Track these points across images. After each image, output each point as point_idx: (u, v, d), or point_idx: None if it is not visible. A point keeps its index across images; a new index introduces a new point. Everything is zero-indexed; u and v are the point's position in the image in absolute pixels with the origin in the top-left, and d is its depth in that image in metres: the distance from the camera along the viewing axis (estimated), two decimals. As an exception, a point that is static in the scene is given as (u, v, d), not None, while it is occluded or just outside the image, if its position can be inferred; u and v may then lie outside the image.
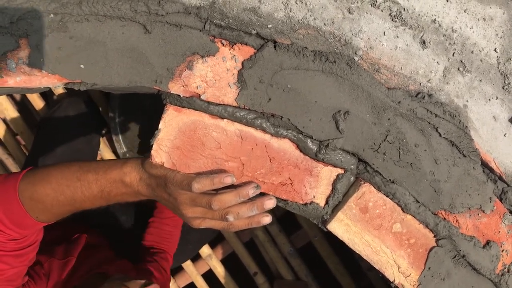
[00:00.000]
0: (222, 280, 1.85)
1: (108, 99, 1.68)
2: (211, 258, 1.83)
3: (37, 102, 1.75)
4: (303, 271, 1.86)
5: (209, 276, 1.85)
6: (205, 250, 1.81)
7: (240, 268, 1.88)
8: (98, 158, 1.78)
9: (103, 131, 1.76)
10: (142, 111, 1.64)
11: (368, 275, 1.86)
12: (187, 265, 1.82)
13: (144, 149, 1.67)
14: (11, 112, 1.74)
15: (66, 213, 0.80)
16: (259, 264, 1.87)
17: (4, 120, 1.78)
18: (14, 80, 0.68)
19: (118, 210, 1.51)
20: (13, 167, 1.86)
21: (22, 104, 1.88)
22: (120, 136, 1.64)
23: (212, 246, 1.85)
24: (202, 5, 0.68)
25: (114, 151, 1.74)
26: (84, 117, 1.52)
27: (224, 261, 1.87)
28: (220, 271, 1.84)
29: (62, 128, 1.48)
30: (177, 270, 1.87)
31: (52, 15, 0.66)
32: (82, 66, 0.68)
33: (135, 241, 1.50)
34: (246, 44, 0.70)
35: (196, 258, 1.84)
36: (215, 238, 1.76)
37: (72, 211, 0.80)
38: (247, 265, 1.87)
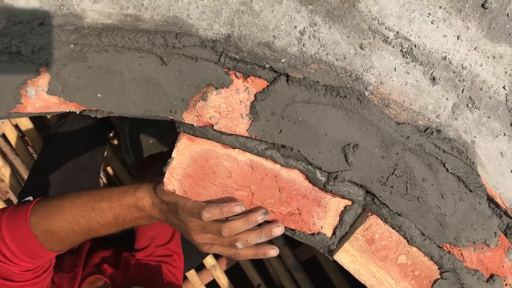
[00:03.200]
0: (226, 291, 1.87)
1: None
2: (215, 269, 1.84)
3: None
4: (307, 284, 1.87)
5: (212, 286, 1.87)
6: (210, 260, 1.83)
7: (244, 280, 1.89)
8: (107, 167, 1.80)
9: (111, 134, 1.77)
10: (151, 123, 1.66)
11: (371, 291, 1.86)
12: (191, 275, 1.84)
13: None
14: (23, 119, 1.76)
15: (81, 241, 0.82)
16: (262, 276, 1.88)
17: (16, 127, 1.80)
18: (33, 107, 0.70)
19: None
20: (21, 167, 1.89)
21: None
22: (129, 147, 1.66)
23: (217, 257, 1.87)
24: (218, 38, 0.69)
25: (123, 161, 1.76)
26: (88, 132, 1.53)
27: (228, 272, 1.88)
28: (223, 282, 1.86)
29: (67, 143, 1.50)
30: (181, 279, 1.88)
31: (72, 45, 0.68)
32: (99, 95, 0.70)
33: None
34: (259, 77, 0.71)
35: (200, 268, 1.85)
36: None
37: (87, 239, 0.82)
38: (251, 276, 1.88)
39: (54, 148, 1.50)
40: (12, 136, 1.76)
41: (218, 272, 1.84)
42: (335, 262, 1.87)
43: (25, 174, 1.93)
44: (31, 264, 0.81)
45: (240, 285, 1.89)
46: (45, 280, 0.88)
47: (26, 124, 1.76)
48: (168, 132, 1.68)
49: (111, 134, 1.78)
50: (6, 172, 1.77)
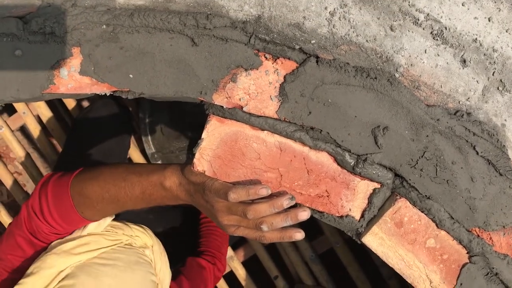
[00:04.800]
0: (243, 282, 1.87)
1: (138, 100, 1.71)
2: (233, 260, 1.85)
3: (69, 101, 1.79)
4: (324, 276, 1.87)
5: (230, 277, 1.87)
6: (227, 251, 1.83)
7: (261, 271, 1.90)
8: (127, 158, 1.82)
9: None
10: (171, 113, 1.67)
11: (388, 284, 1.86)
12: (209, 266, 1.85)
13: (172, 150, 1.70)
14: (44, 110, 1.78)
15: (109, 211, 0.84)
16: (280, 268, 1.88)
17: (36, 118, 1.82)
18: (66, 87, 0.71)
19: (154, 223, 1.54)
20: (38, 160, 1.91)
21: (54, 103, 1.92)
22: (149, 137, 1.67)
23: (234, 248, 1.87)
24: (248, 19, 0.70)
25: (143, 151, 1.78)
26: (116, 118, 1.56)
27: (245, 263, 1.88)
28: (241, 273, 1.86)
29: (95, 129, 1.52)
30: (198, 270, 1.89)
31: (104, 26, 0.69)
32: (131, 75, 0.70)
33: (169, 253, 1.53)
34: (289, 59, 0.71)
35: (216, 259, 1.86)
36: (238, 241, 1.78)
37: (116, 211, 0.84)
38: (268, 268, 1.88)
39: (82, 133, 1.52)
40: (33, 126, 1.78)
41: (235, 263, 1.85)
42: (352, 254, 1.86)
43: (42, 168, 1.96)
44: (61, 227, 0.84)
45: (257, 277, 1.89)
46: None
47: (47, 114, 1.78)
48: (187, 123, 1.69)
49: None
50: (25, 165, 1.79)
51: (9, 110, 1.84)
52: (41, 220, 0.85)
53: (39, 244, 0.88)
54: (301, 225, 0.73)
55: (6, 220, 1.70)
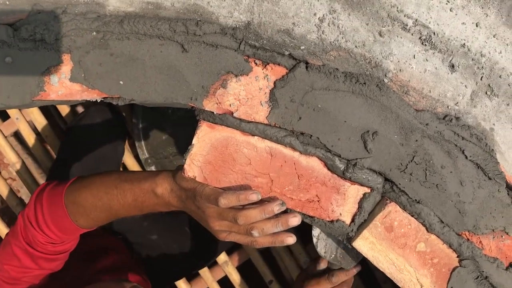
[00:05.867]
0: (237, 287, 1.87)
1: (132, 106, 1.71)
2: (227, 265, 1.84)
3: (63, 107, 1.79)
4: (318, 281, 1.87)
5: (224, 282, 1.87)
6: (222, 257, 1.83)
7: (256, 276, 1.89)
8: (121, 165, 1.81)
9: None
10: (164, 119, 1.67)
11: (382, 287, 1.86)
12: (203, 271, 1.84)
13: (165, 155, 1.70)
14: (37, 116, 1.78)
15: (103, 219, 0.84)
16: (274, 273, 1.88)
17: (30, 123, 1.82)
18: (56, 94, 0.71)
19: (148, 230, 1.54)
20: (32, 166, 1.90)
21: (48, 109, 1.92)
22: (142, 142, 1.67)
23: (229, 253, 1.87)
24: (238, 26, 0.70)
25: (136, 157, 1.77)
26: (109, 125, 1.56)
27: (240, 268, 1.88)
28: (235, 278, 1.86)
29: (88, 135, 1.52)
30: (193, 276, 1.89)
31: (94, 33, 0.69)
32: (121, 82, 0.71)
33: (165, 259, 1.53)
34: (278, 64, 0.72)
35: (212, 264, 1.86)
36: (232, 246, 1.78)
37: (109, 218, 0.84)
38: (263, 273, 1.88)
39: (75, 140, 1.52)
40: (27, 132, 1.78)
41: (230, 268, 1.85)
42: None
43: (36, 173, 1.95)
44: (56, 237, 0.84)
45: (252, 281, 1.89)
46: (58, 261, 0.92)
47: (40, 120, 1.77)
48: (181, 128, 1.69)
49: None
50: (18, 171, 1.78)
51: (2, 115, 1.83)
52: (36, 230, 0.85)
53: (35, 254, 0.88)
54: (296, 229, 0.74)
55: (0, 226, 1.70)
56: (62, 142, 1.57)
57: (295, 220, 0.73)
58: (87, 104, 1.69)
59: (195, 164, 0.73)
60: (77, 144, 1.50)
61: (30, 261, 0.89)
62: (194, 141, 0.73)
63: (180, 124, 1.68)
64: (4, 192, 1.74)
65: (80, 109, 1.84)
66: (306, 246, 1.87)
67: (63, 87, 0.70)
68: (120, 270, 1.30)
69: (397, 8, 0.71)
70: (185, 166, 0.73)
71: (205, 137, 0.73)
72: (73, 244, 0.92)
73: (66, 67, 0.70)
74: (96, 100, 0.73)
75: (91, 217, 0.83)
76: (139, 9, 0.69)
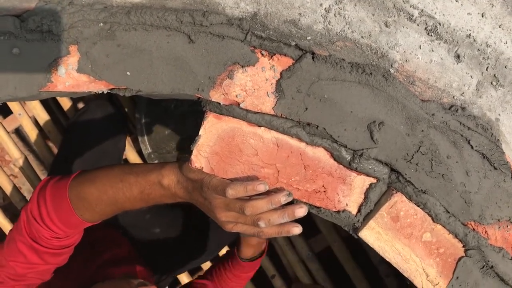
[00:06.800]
0: (240, 282, 1.87)
1: (135, 100, 1.71)
2: (230, 260, 1.85)
3: (65, 102, 1.79)
4: (321, 275, 1.87)
5: (227, 277, 1.87)
6: (224, 251, 1.83)
7: (258, 270, 1.90)
8: (123, 159, 1.82)
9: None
10: (167, 114, 1.68)
11: (385, 281, 1.86)
12: (206, 265, 1.85)
13: (168, 150, 1.70)
14: (40, 111, 1.78)
15: (108, 212, 0.84)
16: (277, 267, 1.89)
17: (32, 119, 1.82)
18: (63, 85, 0.71)
19: (151, 223, 1.54)
20: (34, 162, 1.90)
21: (50, 105, 1.92)
22: (145, 137, 1.67)
23: (231, 247, 1.87)
24: (244, 16, 0.70)
25: (139, 152, 1.78)
26: (111, 119, 1.56)
27: (242, 263, 1.88)
28: (238, 272, 1.86)
29: (89, 130, 1.52)
30: (196, 270, 1.89)
31: (101, 24, 0.69)
32: (128, 73, 0.71)
33: (168, 253, 1.53)
34: (285, 55, 0.72)
35: (215, 258, 1.86)
36: (235, 240, 1.78)
37: (115, 212, 0.84)
38: (265, 267, 1.89)
39: (76, 135, 1.52)
40: (29, 128, 1.78)
41: (232, 263, 1.85)
42: (349, 252, 1.87)
43: (38, 170, 1.95)
44: (61, 231, 0.84)
45: (255, 276, 1.89)
46: (64, 255, 0.91)
47: (43, 116, 1.78)
48: (184, 122, 1.69)
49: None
50: (20, 167, 1.79)
51: (5, 111, 1.84)
52: (40, 225, 0.85)
53: (40, 250, 0.87)
54: (298, 223, 0.74)
55: (3, 222, 1.70)
56: (63, 138, 1.57)
57: (301, 211, 0.73)
58: (88, 99, 1.70)
59: (202, 155, 0.74)
60: (78, 139, 1.51)
61: (36, 257, 0.88)
62: (201, 132, 0.73)
63: (183, 119, 1.68)
64: (7, 188, 1.74)
65: (81, 105, 1.84)
66: (308, 240, 1.88)
67: (70, 78, 0.71)
68: (124, 262, 1.30)
69: (403, -2, 0.71)
70: (192, 157, 0.74)
71: (211, 128, 0.74)
72: (77, 238, 0.91)
73: (73, 58, 0.70)
74: (103, 91, 0.73)
75: (96, 210, 0.83)
76: (146, 0, 0.69)
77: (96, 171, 0.83)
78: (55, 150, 1.85)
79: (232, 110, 0.73)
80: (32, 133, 1.79)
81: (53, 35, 0.68)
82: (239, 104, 0.73)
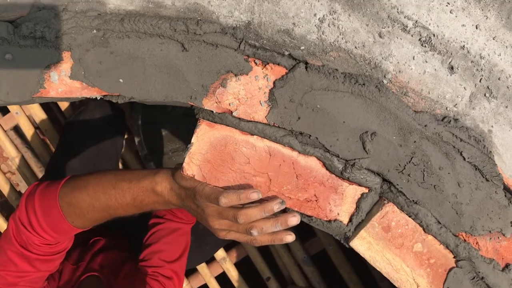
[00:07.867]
0: (235, 284, 1.88)
1: (132, 102, 1.71)
2: (225, 261, 1.85)
3: (63, 102, 1.79)
4: (316, 278, 1.88)
5: (222, 278, 1.88)
6: (220, 253, 1.84)
7: (254, 273, 1.90)
8: (120, 160, 1.82)
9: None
10: (164, 115, 1.68)
11: (380, 286, 1.87)
12: (201, 267, 1.85)
13: (165, 152, 1.70)
14: (37, 110, 1.78)
15: (100, 219, 0.83)
16: (272, 270, 1.89)
17: (29, 118, 1.82)
18: (56, 91, 0.71)
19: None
20: (31, 160, 1.90)
21: (48, 103, 1.92)
22: (142, 139, 1.67)
23: (227, 249, 1.88)
24: (238, 25, 0.70)
25: (136, 153, 1.78)
26: (109, 120, 1.56)
27: (237, 265, 1.89)
28: (233, 274, 1.87)
29: (87, 130, 1.52)
30: (191, 271, 1.90)
31: (95, 31, 0.69)
32: (121, 80, 0.71)
33: None
34: (278, 64, 0.72)
35: (210, 260, 1.86)
36: (230, 242, 1.78)
37: (107, 218, 0.83)
38: (261, 269, 1.89)
39: (74, 135, 1.52)
40: (27, 127, 1.78)
41: (228, 265, 1.85)
42: (345, 256, 1.87)
43: (36, 167, 1.95)
44: (51, 238, 0.83)
45: (250, 278, 1.90)
46: (56, 261, 0.91)
47: (40, 115, 1.78)
48: (180, 124, 1.69)
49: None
50: (17, 164, 1.79)
51: (2, 110, 1.84)
52: (31, 232, 0.84)
53: (31, 257, 0.87)
54: (294, 227, 0.74)
55: (-1, 221, 1.70)
56: (61, 137, 1.57)
57: (294, 220, 0.73)
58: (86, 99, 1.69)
59: (194, 162, 0.74)
60: (76, 139, 1.50)
61: (27, 265, 0.88)
62: (193, 140, 0.73)
63: (179, 121, 1.68)
64: (3, 186, 1.74)
65: (79, 104, 1.84)
66: (304, 243, 1.88)
67: (63, 84, 0.71)
68: (117, 260, 1.30)
69: (398, 9, 0.71)
70: (184, 164, 0.74)
71: (204, 136, 0.74)
72: (68, 243, 0.91)
73: (66, 65, 0.70)
74: (96, 98, 0.73)
75: (88, 217, 0.82)
76: (140, 8, 0.69)
77: (87, 177, 0.82)
78: (52, 148, 1.85)
79: (225, 118, 0.73)
80: (29, 132, 1.79)
81: (46, 41, 0.68)
82: (232, 112, 0.73)
